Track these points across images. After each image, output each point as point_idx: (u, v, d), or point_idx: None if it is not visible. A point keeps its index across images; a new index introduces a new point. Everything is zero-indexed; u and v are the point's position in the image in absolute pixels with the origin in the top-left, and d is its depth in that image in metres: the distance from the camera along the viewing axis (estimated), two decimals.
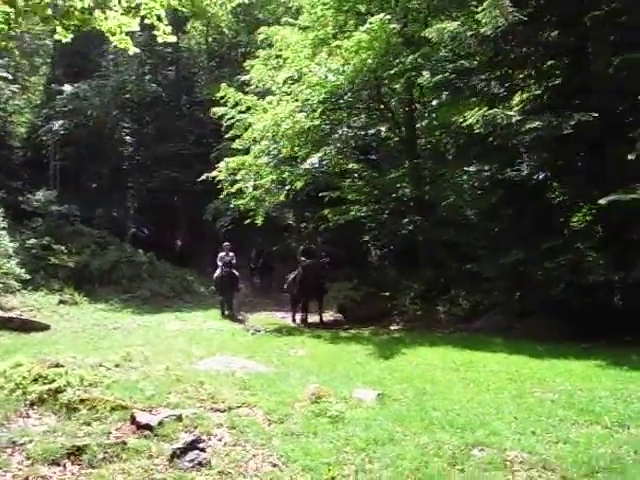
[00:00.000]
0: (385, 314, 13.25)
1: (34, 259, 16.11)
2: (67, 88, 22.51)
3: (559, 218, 11.50)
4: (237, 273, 14.85)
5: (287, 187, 14.79)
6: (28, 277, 14.44)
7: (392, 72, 11.80)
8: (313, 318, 13.86)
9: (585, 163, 10.67)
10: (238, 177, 14.61)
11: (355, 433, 4.74)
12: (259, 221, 14.98)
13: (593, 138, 9.86)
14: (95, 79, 22.60)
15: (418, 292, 13.16)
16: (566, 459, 4.12)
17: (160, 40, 5.95)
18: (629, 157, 8.39)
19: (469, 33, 10.17)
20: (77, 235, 18.19)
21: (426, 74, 11.70)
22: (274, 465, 4.17)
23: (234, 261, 14.54)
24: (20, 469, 3.86)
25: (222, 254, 14.64)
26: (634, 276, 8.52)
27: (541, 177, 11.82)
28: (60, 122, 21.65)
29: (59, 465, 3.96)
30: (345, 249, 18.52)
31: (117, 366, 6.69)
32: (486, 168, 12.72)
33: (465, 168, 13.56)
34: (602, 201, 8.31)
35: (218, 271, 14.55)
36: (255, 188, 14.57)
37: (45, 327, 11.45)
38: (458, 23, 10.60)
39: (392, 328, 12.01)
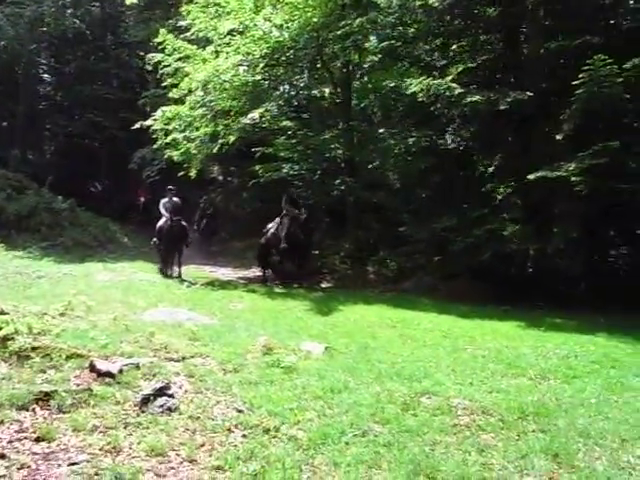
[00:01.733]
0: (314, 272, 13.63)
1: None
2: None
3: (483, 188, 12.26)
4: (185, 224, 13.10)
5: (220, 141, 14.61)
6: None
7: (338, 33, 11.85)
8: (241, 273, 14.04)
9: (513, 138, 11.37)
10: (171, 127, 14.26)
11: (310, 382, 5.03)
12: (193, 174, 14.73)
13: (522, 115, 10.54)
14: (9, 6, 20.77)
15: (348, 252, 13.62)
16: (501, 405, 4.63)
17: None
18: (557, 137, 9.07)
19: (418, 3, 10.40)
20: None
21: (373, 39, 11.87)
22: (239, 411, 4.37)
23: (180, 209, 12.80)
24: None
25: (165, 200, 12.98)
26: (553, 246, 9.35)
27: (470, 148, 12.50)
28: None
29: (27, 410, 3.95)
30: (271, 206, 18.59)
31: (62, 315, 6.55)
32: (414, 134, 13.13)
33: (393, 131, 13.93)
34: (531, 176, 9.00)
35: (162, 220, 12.73)
36: (187, 140, 14.31)
37: None
38: None
39: (323, 286, 12.42)
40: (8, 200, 16.09)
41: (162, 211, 12.78)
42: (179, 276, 12.51)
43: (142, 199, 20.82)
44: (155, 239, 12.94)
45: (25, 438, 3.54)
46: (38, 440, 3.52)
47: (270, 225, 13.11)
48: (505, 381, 5.35)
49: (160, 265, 12.99)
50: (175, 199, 12.99)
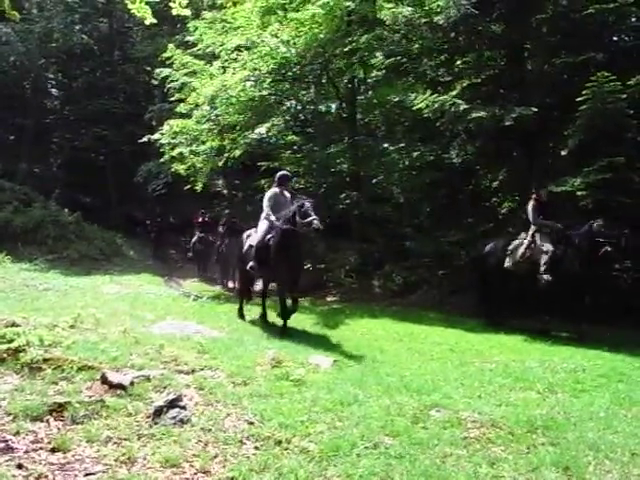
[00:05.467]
0: (320, 286, 13.67)
1: None
2: None
3: (488, 203, 12.34)
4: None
5: (226, 155, 14.75)
6: None
7: (344, 49, 12.01)
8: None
9: (518, 153, 11.46)
10: (177, 141, 14.42)
11: (319, 395, 5.04)
12: (199, 187, 14.86)
13: (527, 130, 10.62)
14: (19, 23, 21.05)
15: (353, 266, 13.67)
16: (510, 419, 4.64)
17: None
18: (562, 153, 9.16)
19: (423, 20, 10.55)
20: None
21: (379, 55, 12.03)
22: (250, 423, 4.39)
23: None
24: (4, 424, 3.88)
25: (276, 192, 8.22)
26: None
27: (475, 163, 12.58)
28: None
29: (42, 421, 3.99)
30: None
31: (72, 327, 6.60)
32: (419, 149, 13.20)
33: (397, 146, 14.04)
34: None
35: (264, 228, 8.03)
36: (194, 154, 14.47)
37: None
38: (411, 9, 10.96)
39: (329, 300, 12.46)
40: (15, 213, 16.29)
41: (266, 211, 8.14)
42: (289, 309, 7.93)
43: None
44: (252, 263, 8.27)
45: (41, 449, 3.56)
46: (54, 451, 3.54)
47: (517, 242, 9.06)
48: (513, 394, 5.37)
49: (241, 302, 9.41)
50: (288, 194, 8.29)
